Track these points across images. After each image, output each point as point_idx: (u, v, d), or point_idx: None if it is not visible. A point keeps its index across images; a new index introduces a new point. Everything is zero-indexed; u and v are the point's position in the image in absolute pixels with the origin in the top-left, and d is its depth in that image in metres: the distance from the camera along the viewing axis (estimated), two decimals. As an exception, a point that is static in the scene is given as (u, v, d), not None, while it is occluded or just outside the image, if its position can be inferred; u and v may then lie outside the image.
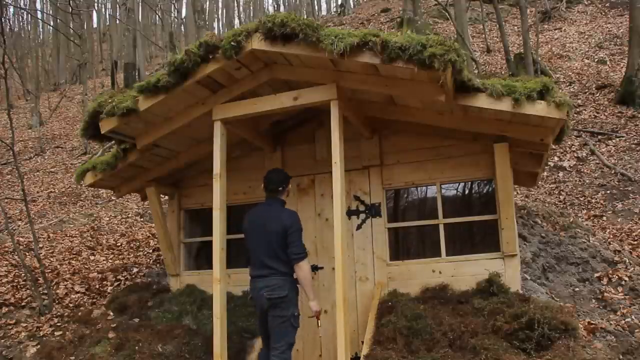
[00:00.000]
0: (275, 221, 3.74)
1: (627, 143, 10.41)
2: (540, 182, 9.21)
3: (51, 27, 25.82)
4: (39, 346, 4.91)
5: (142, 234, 8.77)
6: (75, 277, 6.67)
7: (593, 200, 8.64)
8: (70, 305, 5.96)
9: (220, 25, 36.51)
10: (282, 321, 3.67)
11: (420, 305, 4.29)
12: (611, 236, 7.11)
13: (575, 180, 9.51)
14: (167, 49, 21.24)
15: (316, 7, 35.69)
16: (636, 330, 4.45)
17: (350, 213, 4.96)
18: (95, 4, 32.33)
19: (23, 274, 6.40)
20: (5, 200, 10.47)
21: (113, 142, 5.19)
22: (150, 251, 7.82)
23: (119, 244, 8.28)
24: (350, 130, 4.72)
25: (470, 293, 4.38)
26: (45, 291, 5.91)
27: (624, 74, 12.57)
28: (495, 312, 4.03)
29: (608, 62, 14.81)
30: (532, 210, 6.43)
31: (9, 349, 5.01)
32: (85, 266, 7.16)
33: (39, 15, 27.00)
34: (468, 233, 4.85)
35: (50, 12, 26.02)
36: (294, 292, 3.76)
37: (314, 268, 4.93)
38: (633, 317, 4.66)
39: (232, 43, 3.91)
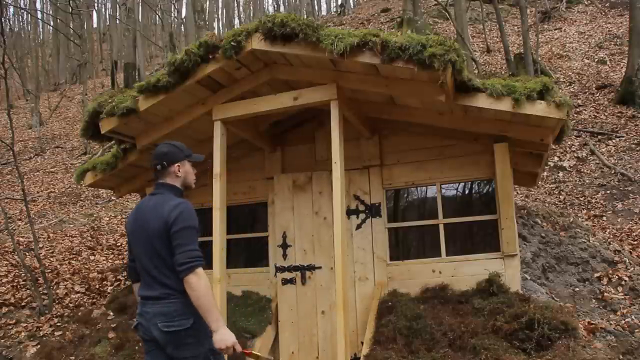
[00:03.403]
0: (156, 216, 2.52)
1: (627, 143, 10.41)
2: (540, 182, 9.21)
3: (51, 27, 25.83)
4: (39, 346, 4.91)
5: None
6: (75, 277, 6.68)
7: (593, 200, 8.64)
8: (70, 305, 5.96)
9: (220, 25, 36.51)
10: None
11: (420, 305, 4.29)
12: (611, 236, 7.11)
13: (575, 180, 9.51)
14: (167, 49, 21.21)
15: (316, 7, 35.69)
16: (636, 330, 4.45)
17: (350, 212, 4.96)
18: (95, 4, 32.34)
19: (23, 274, 6.41)
20: (5, 200, 10.47)
21: (113, 142, 5.19)
22: (150, 251, 7.81)
23: (119, 244, 8.28)
24: (350, 130, 4.72)
25: (470, 293, 4.38)
26: (45, 291, 5.91)
27: (624, 74, 12.57)
28: (495, 312, 4.03)
29: (608, 62, 14.81)
30: (532, 210, 6.43)
31: (9, 349, 5.01)
32: (85, 266, 7.17)
33: (39, 15, 27.00)
34: (468, 233, 4.85)
35: (50, 12, 26.02)
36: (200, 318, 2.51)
37: (311, 268, 4.92)
38: (633, 317, 4.66)
39: (232, 43, 3.92)
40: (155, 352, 2.60)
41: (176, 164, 2.70)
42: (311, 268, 4.93)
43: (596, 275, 5.45)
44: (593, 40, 16.70)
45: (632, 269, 5.49)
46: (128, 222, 2.72)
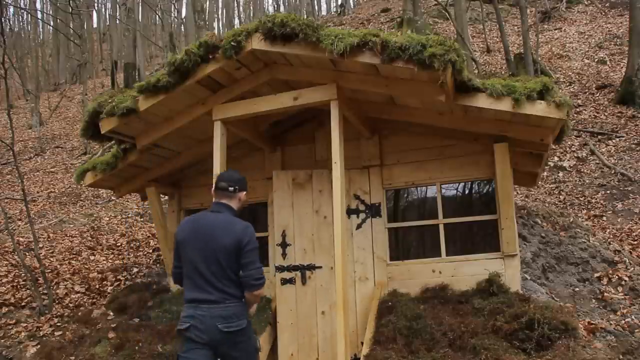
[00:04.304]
0: (227, 233, 2.90)
1: (627, 143, 10.40)
2: (540, 182, 9.20)
3: (51, 27, 25.83)
4: (39, 346, 4.91)
5: (142, 234, 8.77)
6: (75, 277, 6.67)
7: (593, 200, 8.63)
8: (70, 305, 5.96)
9: (220, 25, 36.49)
10: (248, 356, 2.95)
11: (420, 305, 4.29)
12: (611, 236, 7.11)
13: (575, 180, 9.51)
14: (167, 49, 21.20)
15: (316, 7, 35.67)
16: (636, 330, 4.45)
17: (350, 212, 4.96)
18: (95, 4, 32.32)
19: (23, 274, 6.40)
20: (5, 200, 10.47)
21: (113, 142, 5.19)
22: (150, 251, 7.82)
23: (119, 244, 8.28)
24: (350, 130, 4.72)
25: (470, 293, 4.39)
26: (45, 291, 5.91)
27: (624, 74, 12.56)
28: (495, 312, 4.03)
29: (608, 62, 14.80)
30: (532, 210, 6.43)
31: (9, 349, 5.01)
32: (85, 266, 7.16)
33: (39, 15, 27.00)
34: (468, 233, 4.85)
35: (50, 12, 26.01)
36: (248, 317, 3.00)
37: (312, 267, 4.92)
38: (633, 317, 4.66)
39: (232, 43, 3.92)
40: (200, 352, 2.80)
41: (244, 192, 3.16)
42: (311, 268, 4.92)
43: (596, 275, 5.45)
44: (593, 40, 16.70)
45: (632, 269, 5.49)
46: (181, 231, 2.99)
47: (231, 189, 3.07)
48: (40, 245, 7.48)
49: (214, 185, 3.13)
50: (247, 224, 3.01)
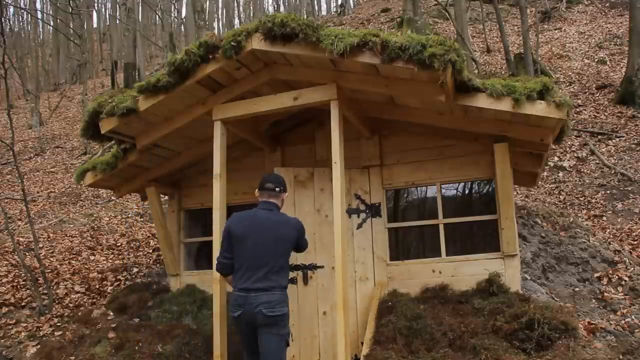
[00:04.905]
0: (289, 228, 3.37)
1: (627, 143, 10.40)
2: (540, 182, 9.20)
3: (51, 27, 25.83)
4: (39, 346, 4.91)
5: (142, 234, 8.77)
6: (75, 277, 6.67)
7: (593, 200, 8.63)
8: (70, 305, 5.96)
9: (220, 25, 36.48)
10: (279, 340, 3.29)
11: (420, 305, 4.29)
12: (611, 236, 7.11)
13: (575, 180, 9.51)
14: (167, 49, 21.20)
15: (316, 7, 35.66)
16: (636, 330, 4.45)
17: (350, 212, 4.95)
18: (95, 4, 32.32)
19: (23, 274, 6.41)
20: (5, 200, 10.47)
21: (113, 142, 5.19)
22: (150, 251, 7.82)
23: (119, 244, 8.28)
24: (350, 130, 4.72)
25: (470, 293, 4.39)
26: (45, 291, 5.91)
27: (624, 74, 12.56)
28: (495, 312, 4.03)
29: (608, 62, 14.80)
30: (532, 210, 6.43)
31: (9, 349, 5.00)
32: (85, 266, 7.16)
33: (39, 15, 26.99)
34: (468, 233, 4.85)
35: (50, 12, 26.01)
36: (289, 308, 3.40)
37: (313, 267, 4.91)
38: (633, 317, 4.66)
39: (232, 43, 3.92)
40: (249, 332, 3.28)
41: (286, 193, 3.57)
42: (313, 267, 4.91)
43: (596, 275, 5.45)
44: (593, 40, 16.70)
45: (632, 269, 5.49)
46: (239, 226, 3.33)
47: (277, 189, 3.45)
48: (40, 245, 7.48)
49: (261, 185, 3.46)
50: (296, 217, 3.55)
